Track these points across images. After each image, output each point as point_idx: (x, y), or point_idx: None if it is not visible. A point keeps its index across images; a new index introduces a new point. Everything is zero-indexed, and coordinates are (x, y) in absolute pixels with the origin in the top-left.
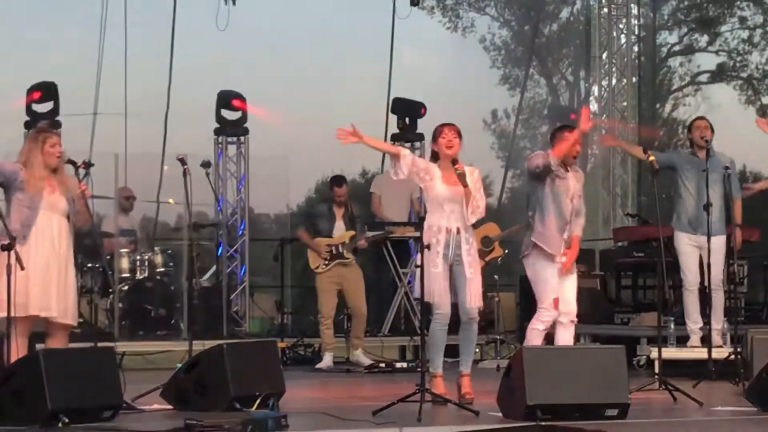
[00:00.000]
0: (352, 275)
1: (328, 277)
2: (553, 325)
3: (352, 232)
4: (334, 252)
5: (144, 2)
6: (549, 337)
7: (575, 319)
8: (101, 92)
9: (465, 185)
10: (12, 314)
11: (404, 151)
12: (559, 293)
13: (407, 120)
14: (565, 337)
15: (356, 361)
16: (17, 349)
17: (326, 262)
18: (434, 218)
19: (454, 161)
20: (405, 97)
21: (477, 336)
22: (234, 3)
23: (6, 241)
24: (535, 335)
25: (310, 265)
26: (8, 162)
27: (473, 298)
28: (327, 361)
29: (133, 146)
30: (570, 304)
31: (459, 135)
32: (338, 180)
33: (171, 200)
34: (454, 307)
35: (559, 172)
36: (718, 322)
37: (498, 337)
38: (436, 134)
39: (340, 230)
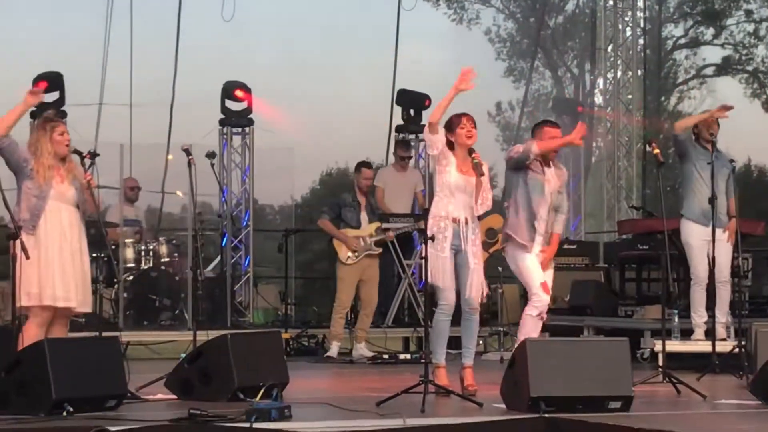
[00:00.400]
0: (374, 266)
1: (354, 269)
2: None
3: (378, 224)
4: (363, 244)
5: None
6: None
7: (545, 316)
8: (107, 82)
9: (481, 174)
10: (29, 304)
11: (441, 127)
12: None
13: (412, 112)
14: (532, 327)
15: (359, 356)
16: (36, 339)
17: (356, 255)
18: (442, 206)
19: (471, 150)
20: (410, 88)
21: (479, 327)
22: None
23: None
24: (528, 321)
25: (339, 256)
26: (24, 149)
27: (475, 289)
28: (334, 350)
29: (139, 136)
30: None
31: (475, 125)
32: (365, 163)
33: (179, 192)
34: (457, 297)
35: (534, 166)
36: (723, 316)
37: (501, 328)
38: (454, 123)
39: (365, 221)
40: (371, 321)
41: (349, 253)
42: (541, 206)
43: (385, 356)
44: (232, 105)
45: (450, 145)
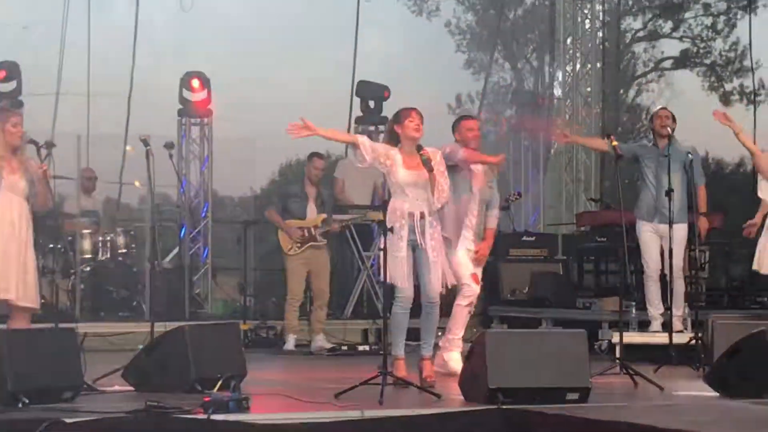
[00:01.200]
0: (321, 258)
1: (299, 259)
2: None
3: (324, 215)
4: (307, 235)
5: None
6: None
7: (473, 310)
8: (64, 72)
9: (430, 170)
10: None
11: (361, 138)
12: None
13: (372, 103)
14: (462, 316)
15: (317, 347)
16: None
17: (299, 245)
18: (398, 203)
19: (419, 147)
20: (369, 80)
21: (438, 319)
22: None
23: None
24: (458, 311)
25: (282, 246)
26: None
27: (435, 283)
28: (290, 343)
29: (96, 127)
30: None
31: (423, 121)
32: (318, 153)
33: (137, 183)
34: (417, 290)
35: (461, 164)
36: (679, 309)
37: None
38: (402, 116)
39: (312, 212)
40: (326, 312)
41: (291, 244)
42: (470, 203)
43: (344, 348)
44: (190, 95)
45: (395, 140)
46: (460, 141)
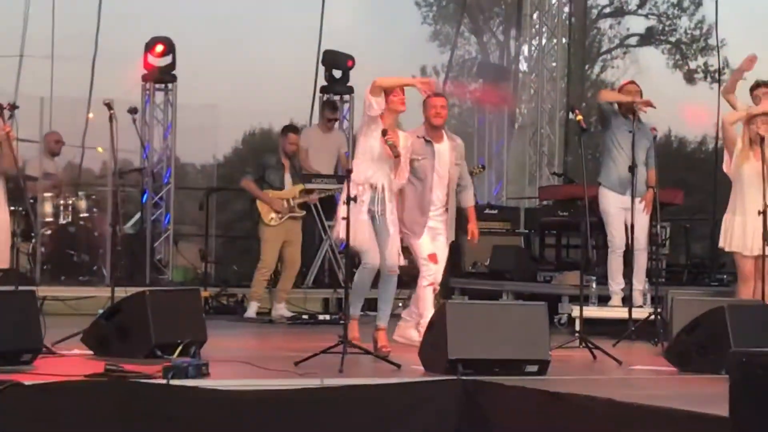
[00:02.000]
0: (296, 228)
1: (277, 230)
2: None
3: (301, 186)
4: (287, 205)
5: None
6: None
7: (437, 287)
8: (28, 34)
9: (397, 156)
10: None
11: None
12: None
13: (339, 73)
14: (426, 297)
15: (278, 316)
16: None
17: (280, 216)
18: (362, 170)
19: (384, 132)
20: (335, 49)
21: (401, 290)
22: None
23: None
24: (421, 292)
25: (263, 217)
26: None
27: (392, 252)
28: (252, 310)
29: (60, 90)
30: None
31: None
32: (292, 128)
33: (100, 149)
34: None
35: (419, 150)
36: (640, 283)
37: None
38: (389, 90)
39: (289, 183)
40: (293, 282)
41: (272, 215)
42: (435, 189)
43: (305, 317)
44: (155, 61)
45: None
46: (426, 119)
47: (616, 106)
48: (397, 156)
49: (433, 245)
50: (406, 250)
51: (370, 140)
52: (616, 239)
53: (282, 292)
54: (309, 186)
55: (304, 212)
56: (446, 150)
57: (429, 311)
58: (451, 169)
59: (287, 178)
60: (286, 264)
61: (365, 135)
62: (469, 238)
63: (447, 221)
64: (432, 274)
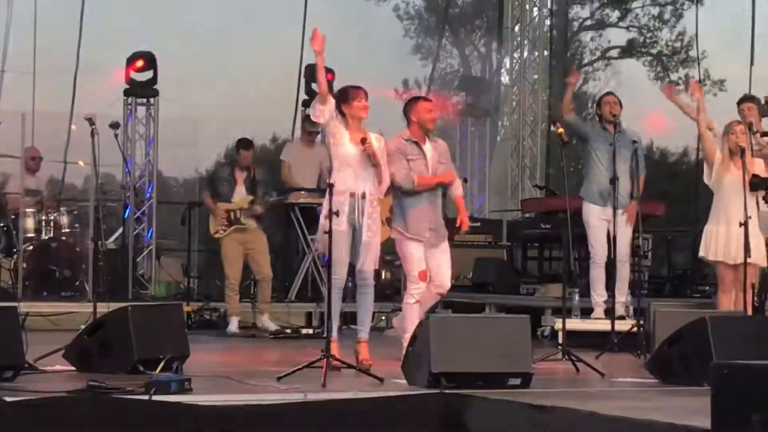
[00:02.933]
0: (256, 240)
1: (231, 242)
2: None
3: (250, 198)
4: (232, 217)
5: None
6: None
7: (444, 292)
8: (9, 49)
9: (376, 165)
10: None
11: (331, 99)
12: (431, 267)
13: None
14: (426, 299)
15: (263, 327)
16: None
17: (224, 228)
18: (341, 179)
19: (363, 140)
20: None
21: (382, 303)
22: None
23: None
24: (407, 309)
25: (210, 230)
26: None
27: (368, 261)
28: (233, 325)
29: (41, 105)
30: (443, 278)
31: (367, 99)
32: (245, 143)
33: (81, 162)
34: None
35: (410, 152)
36: (623, 295)
37: None
38: (350, 97)
39: (240, 195)
40: (270, 294)
41: (218, 227)
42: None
43: (288, 331)
44: (137, 75)
45: (342, 118)
46: (417, 122)
47: (597, 117)
48: (374, 165)
49: (432, 257)
50: (389, 263)
51: (338, 147)
52: (598, 251)
53: (262, 303)
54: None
55: (248, 223)
56: (430, 150)
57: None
58: (438, 167)
59: (239, 190)
60: (257, 277)
61: (334, 144)
62: (457, 225)
63: (441, 224)
64: (420, 292)
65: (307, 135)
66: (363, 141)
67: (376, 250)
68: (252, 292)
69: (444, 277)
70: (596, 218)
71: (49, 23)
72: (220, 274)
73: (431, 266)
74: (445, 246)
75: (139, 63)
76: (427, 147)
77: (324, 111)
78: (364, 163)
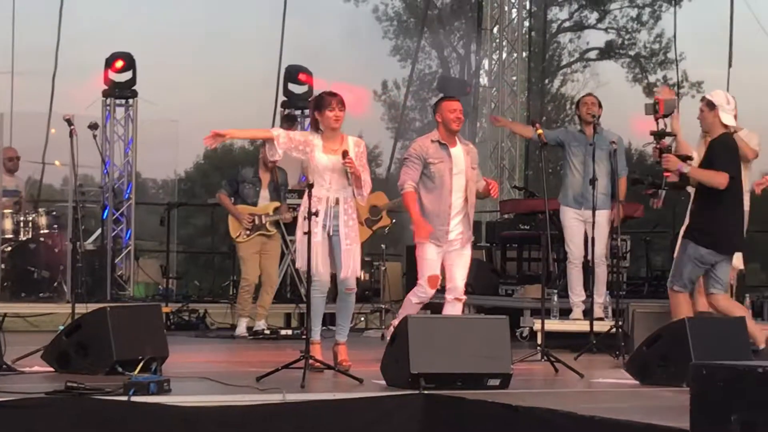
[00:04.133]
0: (273, 245)
1: (251, 245)
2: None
3: (277, 203)
4: (257, 222)
5: None
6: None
7: (462, 297)
8: None
9: (357, 180)
10: None
11: (275, 132)
12: (447, 271)
13: (304, 87)
14: (449, 312)
15: (258, 331)
16: None
17: (247, 233)
18: (316, 190)
19: (344, 154)
20: (296, 64)
21: (361, 304)
22: None
23: None
24: (407, 304)
25: (231, 233)
26: None
27: (350, 270)
28: (242, 328)
29: (20, 105)
30: (456, 281)
31: (344, 107)
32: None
33: (57, 162)
34: (335, 275)
35: (434, 155)
36: (600, 296)
37: (383, 306)
38: (323, 105)
39: (265, 199)
40: (272, 299)
41: (240, 231)
42: (455, 192)
43: (267, 332)
44: (116, 76)
45: (316, 125)
46: (442, 123)
47: (576, 119)
48: (357, 179)
49: (449, 259)
50: (367, 264)
51: (312, 161)
52: (574, 251)
53: (261, 308)
54: (289, 202)
55: (274, 230)
56: (461, 153)
57: None
58: (468, 172)
59: (264, 193)
60: (262, 279)
61: (306, 160)
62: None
63: (466, 227)
64: (425, 296)
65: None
66: (344, 155)
67: (356, 257)
68: (231, 293)
69: (457, 281)
70: (572, 219)
71: (27, 24)
72: (198, 274)
73: (446, 269)
74: (466, 251)
75: (119, 63)
76: (458, 150)
77: (276, 149)
78: (339, 171)
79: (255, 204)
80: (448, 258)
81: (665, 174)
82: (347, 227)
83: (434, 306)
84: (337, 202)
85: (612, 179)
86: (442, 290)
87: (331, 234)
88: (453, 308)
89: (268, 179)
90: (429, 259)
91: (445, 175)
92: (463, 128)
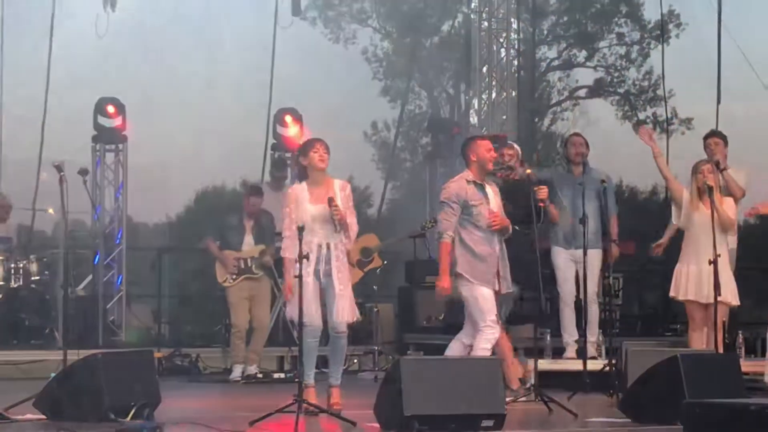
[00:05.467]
0: (261, 289)
1: (239, 290)
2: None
3: (262, 247)
4: (243, 266)
5: (22, 7)
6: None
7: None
8: None
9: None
10: None
11: (288, 232)
12: None
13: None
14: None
15: (251, 375)
16: None
17: (234, 276)
18: (306, 235)
19: (330, 201)
20: (286, 106)
21: (348, 347)
22: (113, 9)
23: None
24: (480, 353)
25: (218, 278)
26: None
27: (342, 314)
28: (236, 373)
29: (9, 152)
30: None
31: (328, 151)
32: (255, 190)
33: (51, 210)
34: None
35: (473, 197)
36: (593, 335)
37: (376, 347)
38: (307, 149)
39: (249, 244)
40: (264, 343)
41: (227, 275)
42: (496, 234)
43: (260, 376)
44: (105, 121)
45: (303, 173)
46: (477, 162)
47: (564, 160)
48: (343, 223)
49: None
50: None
51: (300, 214)
52: (566, 291)
53: (253, 353)
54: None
55: (260, 273)
56: (493, 193)
57: None
58: (500, 211)
59: (247, 239)
60: (253, 325)
61: (293, 211)
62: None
63: (502, 270)
64: (495, 337)
65: (275, 180)
66: (330, 202)
67: (350, 300)
68: (224, 337)
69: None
70: (563, 259)
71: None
72: (191, 318)
73: None
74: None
75: (109, 109)
76: (490, 190)
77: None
78: (327, 218)
79: (239, 249)
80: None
81: None
82: (339, 272)
83: (427, 346)
84: (328, 247)
85: (602, 218)
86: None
87: (322, 278)
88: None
89: (251, 224)
90: (487, 297)
91: (485, 216)
92: (452, 167)
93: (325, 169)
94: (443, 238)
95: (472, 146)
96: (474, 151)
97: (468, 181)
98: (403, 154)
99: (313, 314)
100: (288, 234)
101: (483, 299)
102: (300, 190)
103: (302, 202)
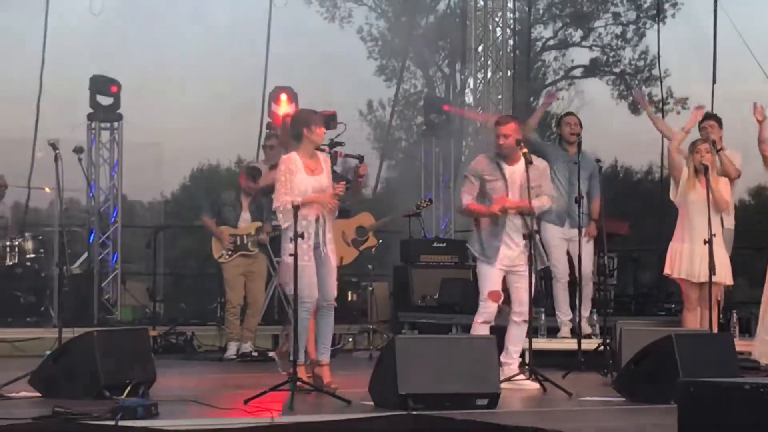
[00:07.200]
0: (256, 265)
1: (234, 267)
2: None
3: (259, 224)
4: (238, 243)
5: None
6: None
7: (527, 318)
8: None
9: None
10: None
11: (282, 200)
12: (511, 293)
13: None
14: (514, 333)
15: (246, 353)
16: None
17: (229, 253)
18: (303, 209)
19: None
20: (281, 85)
21: (343, 326)
22: None
23: None
24: (475, 328)
25: (213, 254)
26: None
27: (334, 287)
28: (231, 351)
29: (4, 130)
30: (522, 305)
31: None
32: (252, 171)
33: (46, 188)
34: None
35: (491, 173)
36: (587, 310)
37: (371, 326)
38: (314, 121)
39: (246, 221)
40: (258, 321)
41: (222, 251)
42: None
43: (255, 354)
44: (100, 99)
45: (299, 140)
46: (495, 143)
47: (557, 138)
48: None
49: (510, 281)
50: (355, 285)
51: (296, 184)
52: (559, 269)
53: (247, 331)
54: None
55: (256, 250)
56: (519, 172)
57: (514, 347)
58: (524, 191)
59: (244, 216)
60: (248, 301)
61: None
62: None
63: (530, 250)
64: (488, 312)
65: (270, 151)
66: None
67: (335, 272)
68: (218, 315)
69: (521, 303)
70: (555, 237)
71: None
72: (185, 296)
73: (511, 291)
74: (525, 271)
75: (105, 87)
76: (516, 168)
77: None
78: (319, 189)
79: (236, 226)
80: (510, 281)
81: None
82: (332, 243)
83: (421, 325)
84: (325, 218)
85: (590, 200)
86: None
87: (321, 248)
88: (519, 330)
89: (248, 202)
90: (489, 275)
91: (500, 193)
92: (447, 147)
93: (320, 143)
94: (463, 205)
95: (495, 128)
96: (495, 133)
97: (489, 158)
98: (398, 133)
99: (313, 290)
100: (283, 201)
101: (483, 276)
102: (294, 160)
103: (299, 172)
